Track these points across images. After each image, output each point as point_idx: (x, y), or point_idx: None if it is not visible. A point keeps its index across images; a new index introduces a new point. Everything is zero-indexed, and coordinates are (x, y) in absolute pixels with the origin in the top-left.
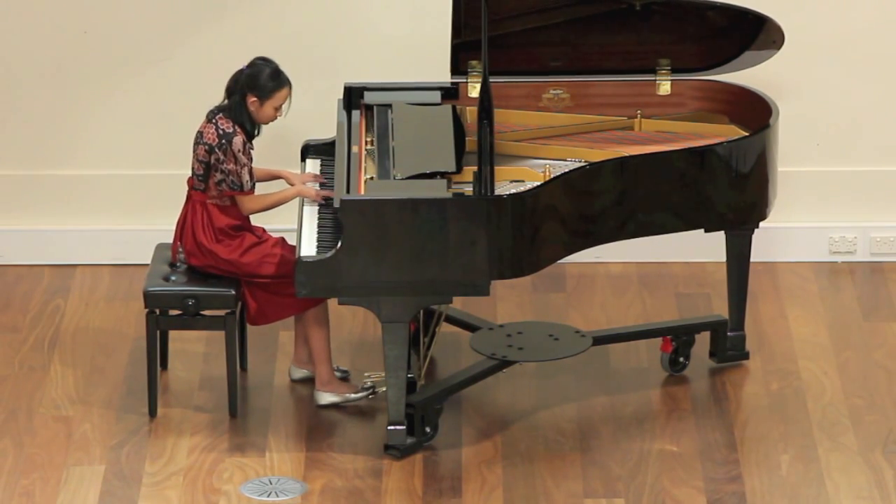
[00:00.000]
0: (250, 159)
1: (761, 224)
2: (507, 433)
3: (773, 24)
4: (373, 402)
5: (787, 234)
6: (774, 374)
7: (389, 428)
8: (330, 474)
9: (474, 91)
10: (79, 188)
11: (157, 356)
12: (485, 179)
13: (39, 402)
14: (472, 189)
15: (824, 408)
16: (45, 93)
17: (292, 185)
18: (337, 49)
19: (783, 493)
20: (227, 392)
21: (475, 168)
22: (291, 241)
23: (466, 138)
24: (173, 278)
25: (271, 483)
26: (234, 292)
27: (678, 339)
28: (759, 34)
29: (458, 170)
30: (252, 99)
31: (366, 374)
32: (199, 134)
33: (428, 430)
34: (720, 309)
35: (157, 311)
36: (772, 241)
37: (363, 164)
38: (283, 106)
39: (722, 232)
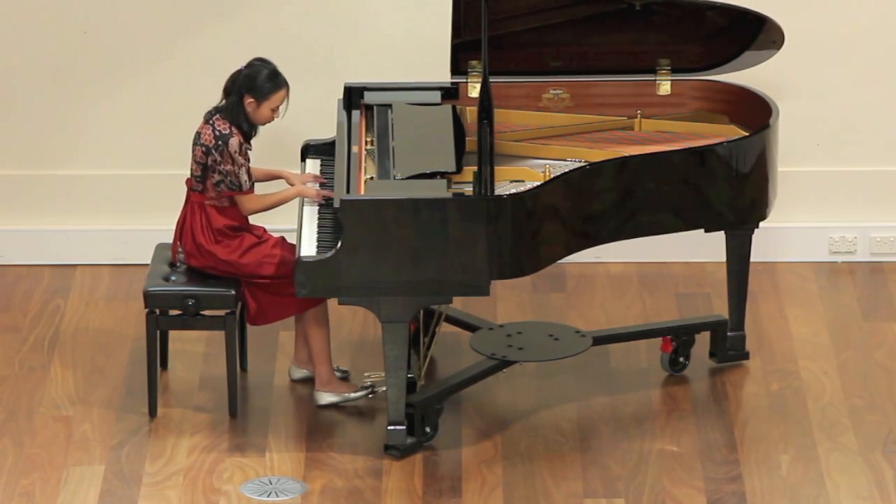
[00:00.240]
0: (247, 160)
1: (761, 224)
2: (507, 433)
3: (773, 24)
4: (373, 402)
5: (787, 234)
6: (774, 374)
7: (389, 428)
8: (330, 474)
9: (474, 91)
10: (79, 188)
11: (157, 356)
12: (485, 179)
13: (39, 402)
14: (472, 189)
15: (824, 408)
16: (45, 93)
17: (293, 185)
18: (337, 49)
19: (783, 493)
20: (227, 392)
21: (475, 168)
22: (291, 240)
23: (466, 138)
24: (173, 278)
25: (271, 483)
26: (234, 292)
27: (678, 339)
28: (759, 34)
29: (458, 170)
30: (249, 100)
31: (366, 374)
32: (197, 135)
33: (428, 430)
34: (720, 309)
35: (157, 311)
36: (772, 241)
37: (363, 164)
38: (280, 107)
39: (722, 232)
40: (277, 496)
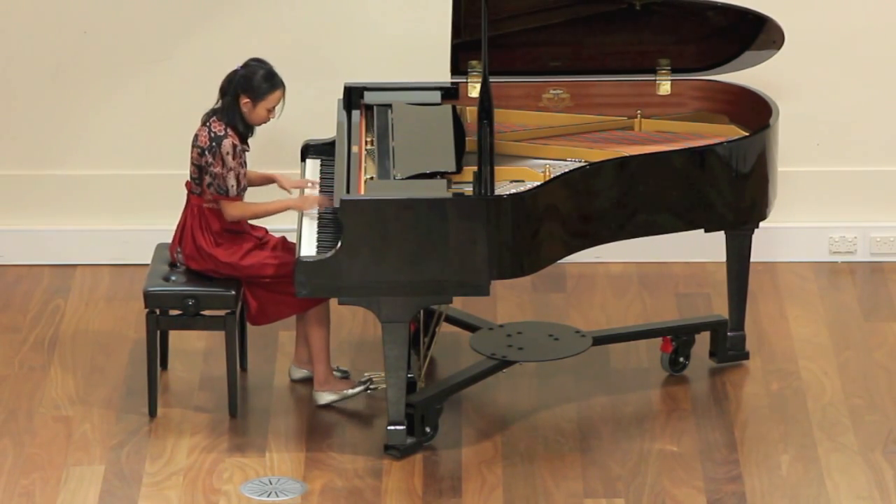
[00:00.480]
0: (241, 164)
1: (761, 224)
2: (507, 433)
3: (773, 24)
4: (373, 402)
5: (787, 234)
6: (774, 374)
7: (389, 428)
8: (330, 474)
9: (474, 91)
10: (79, 188)
11: (157, 356)
12: (485, 179)
13: (39, 402)
14: (472, 189)
15: (824, 408)
16: (45, 93)
17: (284, 188)
18: (337, 49)
19: (783, 493)
20: (227, 392)
21: (475, 168)
22: (292, 239)
23: (466, 138)
24: (173, 278)
25: (271, 483)
26: (234, 292)
27: (678, 339)
28: (759, 34)
29: (458, 170)
30: (245, 100)
31: (365, 374)
32: (195, 137)
33: (428, 430)
34: (720, 309)
35: (157, 311)
36: (772, 241)
37: (363, 164)
38: (277, 108)
39: (722, 232)
40: (277, 496)
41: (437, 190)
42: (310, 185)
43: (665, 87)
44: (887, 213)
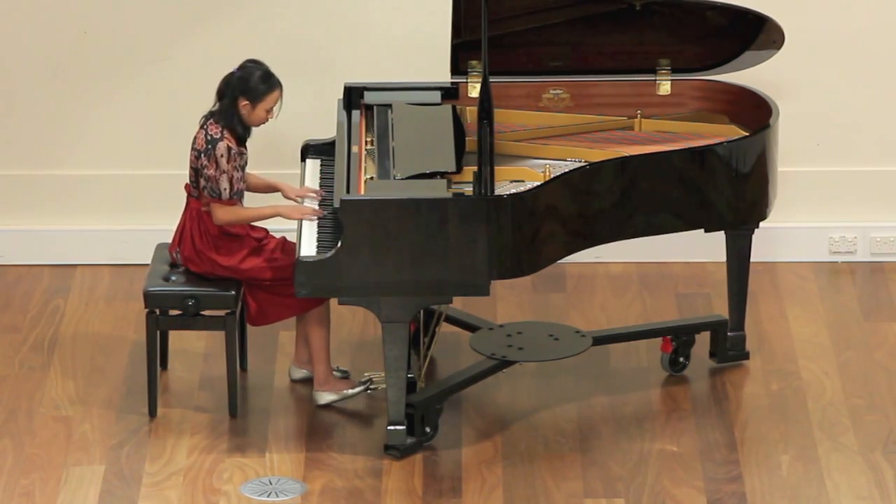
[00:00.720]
0: (238, 168)
1: (761, 224)
2: (507, 433)
3: (773, 24)
4: (373, 402)
5: (787, 234)
6: (774, 374)
7: (389, 428)
8: (330, 474)
9: (474, 91)
10: (79, 188)
11: (157, 356)
12: (485, 179)
13: (39, 402)
14: (472, 189)
15: (824, 408)
16: (45, 93)
17: (289, 197)
18: (337, 49)
19: (783, 493)
20: (227, 392)
21: (475, 168)
22: (292, 239)
23: (466, 138)
24: (173, 278)
25: (271, 483)
26: (234, 293)
27: (678, 339)
28: (759, 34)
29: (458, 170)
30: (244, 102)
31: (365, 374)
32: (194, 139)
33: (428, 430)
34: (720, 309)
35: (157, 311)
36: (772, 241)
37: (363, 164)
38: (275, 108)
39: (722, 232)
40: (277, 496)
41: (437, 190)
42: (313, 195)
43: (665, 87)
44: (887, 213)
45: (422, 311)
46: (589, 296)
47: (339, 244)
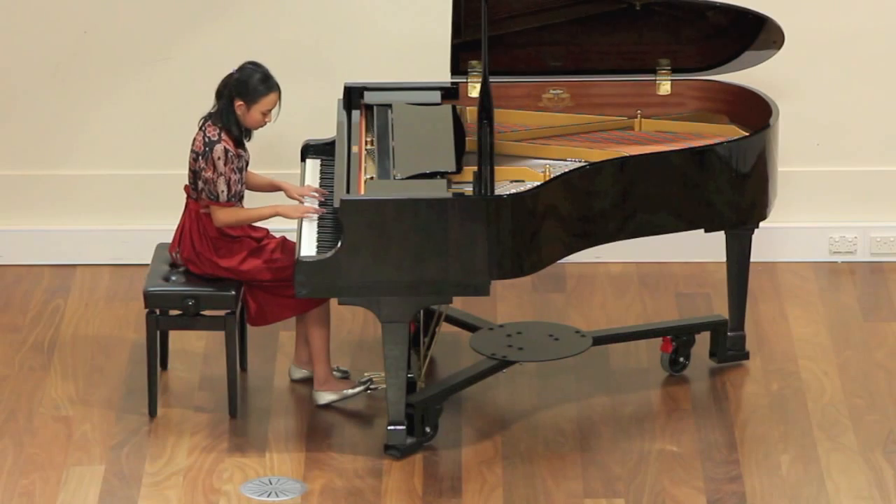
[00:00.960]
0: (236, 170)
1: (761, 224)
2: (507, 433)
3: (773, 24)
4: (373, 402)
5: (787, 234)
6: (774, 374)
7: (389, 428)
8: (330, 474)
9: (474, 91)
10: (79, 188)
11: (157, 356)
12: (485, 179)
13: (39, 402)
14: (472, 189)
15: (824, 408)
16: (44, 93)
17: (292, 197)
18: (337, 49)
19: (783, 493)
20: (227, 392)
21: (475, 168)
22: (292, 238)
23: (466, 138)
24: (173, 278)
25: (271, 483)
26: (234, 293)
27: (678, 339)
28: (759, 34)
29: (458, 170)
30: (239, 103)
31: (365, 374)
32: (193, 141)
33: (428, 430)
34: (720, 309)
35: (158, 311)
36: (772, 241)
37: (363, 164)
38: (273, 111)
39: (722, 232)
40: (277, 496)
41: (437, 190)
42: (315, 195)
43: (665, 87)
44: (887, 213)
45: (422, 311)
46: (589, 296)
47: (339, 244)
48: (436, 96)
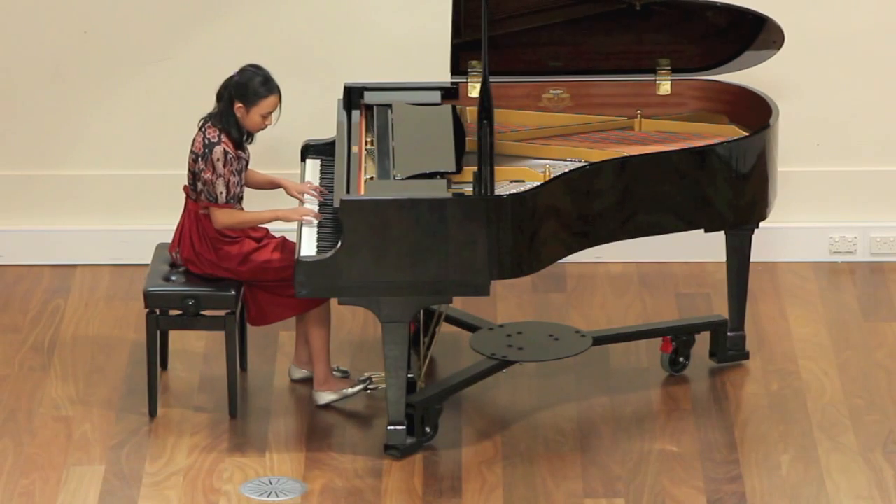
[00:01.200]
0: (235, 172)
1: (761, 224)
2: (507, 433)
3: (773, 24)
4: (373, 402)
5: (787, 234)
6: (774, 374)
7: (389, 428)
8: (330, 474)
9: (474, 91)
10: (79, 188)
11: (157, 356)
12: (485, 179)
13: (39, 402)
14: (472, 189)
15: (824, 408)
16: (44, 93)
17: (292, 194)
18: (337, 49)
19: (783, 493)
20: (227, 392)
21: (475, 168)
22: (292, 238)
23: (466, 138)
24: (173, 278)
25: (271, 483)
26: (234, 293)
27: (678, 339)
28: (759, 34)
29: (458, 170)
30: (238, 106)
31: (365, 373)
32: (192, 142)
33: (428, 430)
34: (720, 309)
35: (158, 311)
36: (772, 241)
37: (363, 164)
38: (273, 114)
39: (722, 232)
40: (277, 496)
41: (437, 190)
42: (315, 194)
43: (665, 87)
44: (887, 213)
45: (422, 311)
46: (589, 296)
47: (339, 244)
48: (436, 96)
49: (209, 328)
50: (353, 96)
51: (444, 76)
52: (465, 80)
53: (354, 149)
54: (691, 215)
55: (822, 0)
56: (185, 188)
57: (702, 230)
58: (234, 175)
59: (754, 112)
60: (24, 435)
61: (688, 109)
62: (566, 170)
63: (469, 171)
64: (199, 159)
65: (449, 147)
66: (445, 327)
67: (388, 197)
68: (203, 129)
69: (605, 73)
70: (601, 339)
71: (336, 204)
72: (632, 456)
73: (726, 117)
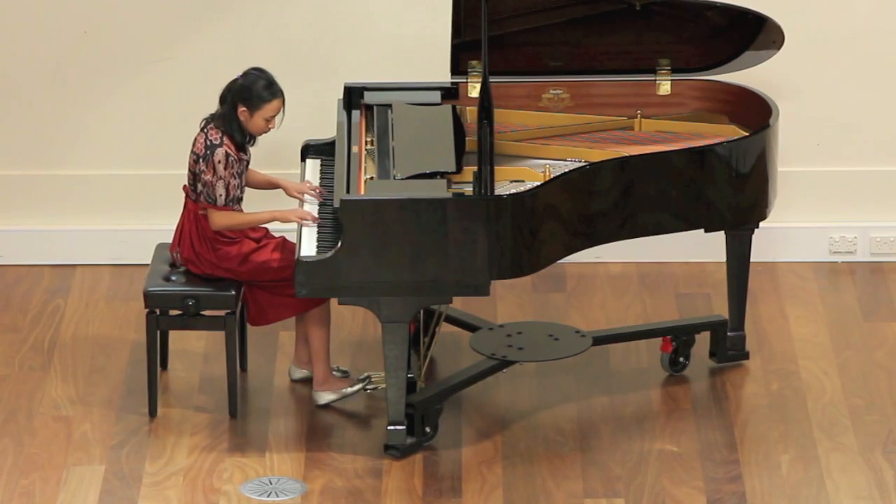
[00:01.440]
0: (236, 174)
1: (761, 224)
2: (507, 433)
3: (773, 24)
4: (373, 402)
5: (787, 234)
6: (774, 374)
7: (389, 428)
8: (330, 474)
9: (474, 91)
10: (79, 188)
11: (157, 356)
12: (485, 179)
13: (39, 402)
14: (472, 189)
15: (824, 408)
16: (44, 93)
17: (291, 195)
18: (337, 49)
19: (783, 493)
20: (227, 392)
21: (475, 168)
22: (292, 239)
23: (466, 138)
24: (173, 278)
25: (271, 483)
26: (234, 293)
27: (678, 339)
28: (759, 34)
29: (458, 170)
30: (242, 109)
31: (365, 374)
32: (193, 142)
33: (428, 430)
34: (720, 309)
35: (158, 311)
36: (772, 241)
37: (363, 164)
38: (277, 118)
39: (722, 232)
40: (277, 496)
41: (437, 190)
42: (314, 195)
43: (665, 87)
44: (887, 213)
45: (422, 311)
46: (589, 296)
47: (339, 244)
48: (436, 96)
49: (209, 328)
50: (353, 96)
51: (444, 76)
52: (465, 80)
53: (354, 149)
54: (691, 215)
55: (822, 0)
56: (185, 188)
57: (702, 230)
58: (235, 178)
59: (754, 112)
60: (24, 435)
61: (688, 109)
62: (566, 170)
63: (469, 171)
64: (200, 160)
65: (449, 147)
66: (445, 327)
67: (388, 197)
68: (205, 131)
69: (605, 73)
70: (601, 339)
71: (336, 204)
72: (632, 456)
73: (726, 117)
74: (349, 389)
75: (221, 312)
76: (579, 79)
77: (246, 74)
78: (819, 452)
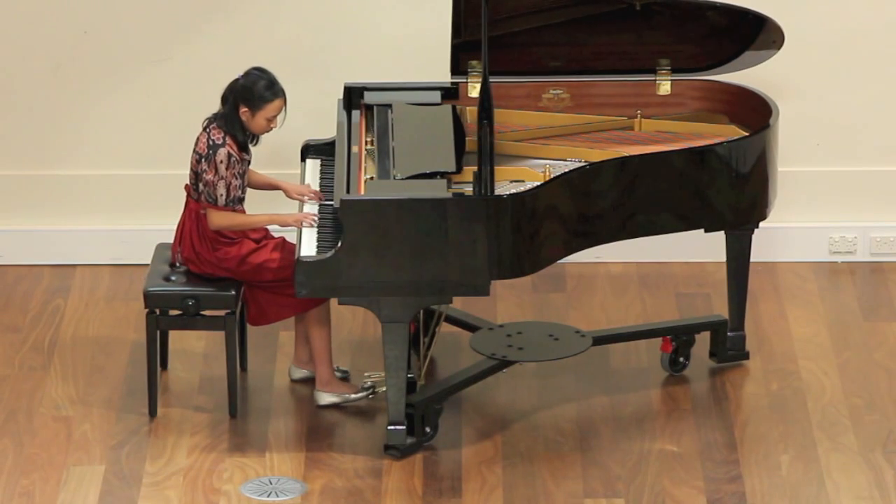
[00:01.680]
0: (237, 175)
1: (761, 224)
2: (507, 433)
3: (773, 24)
4: (373, 402)
5: (787, 234)
6: (774, 374)
7: (389, 428)
8: (330, 474)
9: (474, 91)
10: (79, 188)
11: (157, 356)
12: (485, 179)
13: (39, 402)
14: (472, 189)
15: (824, 408)
16: (45, 93)
17: (291, 196)
18: (337, 49)
19: (783, 493)
20: (227, 392)
21: (475, 168)
22: (292, 240)
23: (466, 138)
24: (173, 278)
25: (271, 483)
26: (234, 293)
27: (678, 339)
28: (759, 34)
29: (458, 170)
30: (244, 109)
31: (366, 374)
32: (196, 142)
33: (428, 430)
34: (720, 309)
35: (158, 311)
36: (772, 241)
37: (363, 164)
38: (279, 118)
39: (722, 232)
40: (277, 496)
41: (437, 190)
42: (313, 196)
43: (665, 87)
44: (887, 213)
45: (422, 311)
46: (589, 296)
47: (339, 244)
48: (436, 96)
49: (209, 328)
50: (353, 96)
51: (444, 76)
52: (465, 80)
53: (354, 149)
54: (691, 215)
55: (822, 0)
56: (187, 187)
57: (702, 230)
58: (237, 178)
59: (754, 112)
60: (24, 435)
61: (688, 109)
62: (566, 170)
63: (469, 171)
64: (203, 160)
65: (449, 147)
66: (445, 327)
67: (388, 197)
68: (208, 130)
69: (605, 73)
70: (601, 339)
71: (336, 204)
72: (632, 456)
73: (726, 117)
74: (352, 396)
75: (221, 312)
76: (579, 79)
77: (247, 74)
78: (819, 452)
